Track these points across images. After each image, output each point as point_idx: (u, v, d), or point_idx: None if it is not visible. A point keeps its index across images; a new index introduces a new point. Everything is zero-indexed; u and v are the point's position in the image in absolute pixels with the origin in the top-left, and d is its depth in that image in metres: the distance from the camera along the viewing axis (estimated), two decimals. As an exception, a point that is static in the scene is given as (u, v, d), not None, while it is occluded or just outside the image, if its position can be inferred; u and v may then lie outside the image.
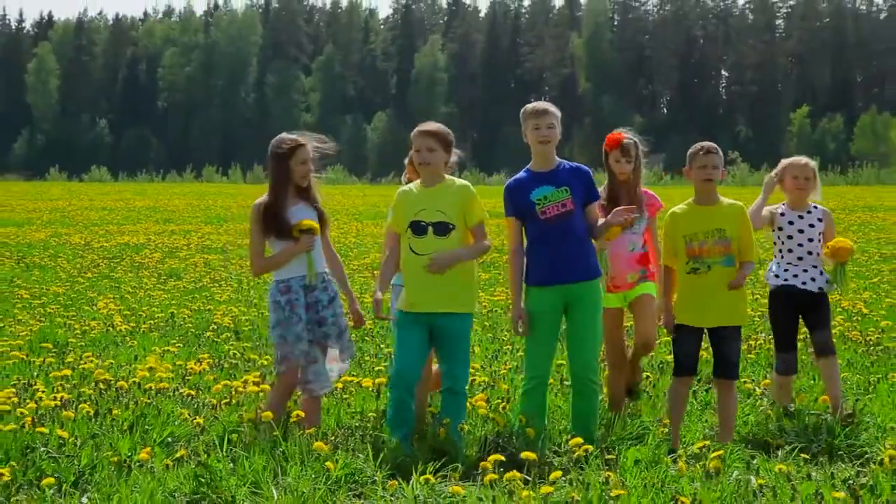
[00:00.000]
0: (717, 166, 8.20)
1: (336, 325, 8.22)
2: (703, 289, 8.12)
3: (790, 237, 8.77)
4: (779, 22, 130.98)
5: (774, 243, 8.90)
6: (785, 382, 8.85)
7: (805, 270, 8.73)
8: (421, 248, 7.96)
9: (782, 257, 8.80)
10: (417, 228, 7.97)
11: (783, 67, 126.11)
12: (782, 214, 8.82)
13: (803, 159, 8.93)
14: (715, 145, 8.34)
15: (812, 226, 8.77)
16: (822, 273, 8.75)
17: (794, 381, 9.08)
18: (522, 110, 8.17)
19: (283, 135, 8.32)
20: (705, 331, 8.24)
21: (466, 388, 8.13)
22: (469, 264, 8.04)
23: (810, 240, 8.74)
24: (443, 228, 7.93)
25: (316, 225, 8.14)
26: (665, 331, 8.51)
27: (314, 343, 8.16)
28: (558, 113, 8.22)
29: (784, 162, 9.00)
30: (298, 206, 8.22)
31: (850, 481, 6.65)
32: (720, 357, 8.20)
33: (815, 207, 8.85)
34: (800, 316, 8.81)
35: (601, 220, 8.11)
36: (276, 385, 8.28)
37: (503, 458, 6.95)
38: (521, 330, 8.09)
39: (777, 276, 8.77)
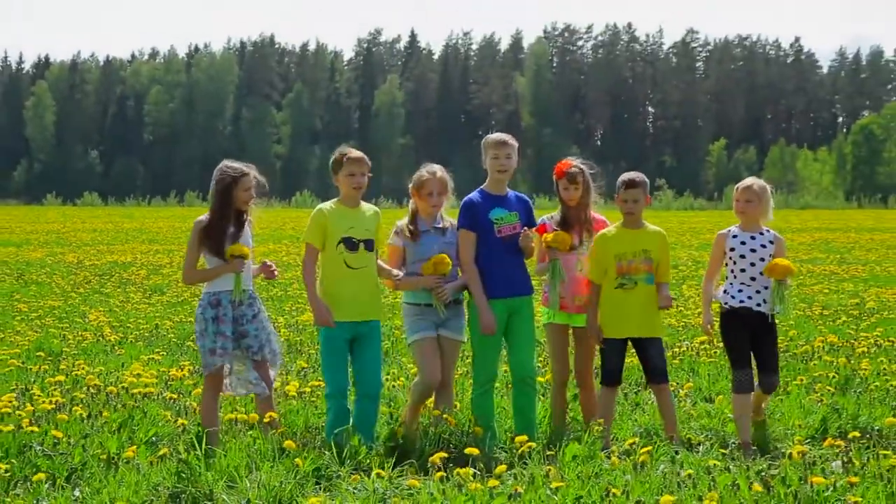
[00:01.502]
0: (638, 199, 8.18)
1: (258, 338, 8.13)
2: (629, 303, 8.12)
3: (742, 257, 8.20)
4: (699, 64, 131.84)
5: (726, 264, 8.29)
6: (743, 402, 8.13)
7: (758, 291, 8.15)
8: (355, 262, 8.02)
9: (735, 277, 8.22)
10: (350, 245, 7.99)
11: (702, 104, 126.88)
12: (734, 236, 8.27)
13: (746, 182, 8.35)
14: (637, 178, 8.21)
15: (764, 246, 8.21)
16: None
17: (751, 403, 8.23)
18: (484, 140, 8.24)
19: (227, 163, 8.22)
20: (629, 343, 8.22)
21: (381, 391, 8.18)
22: (377, 277, 8.12)
23: (762, 259, 8.16)
24: (370, 245, 8.05)
25: (247, 251, 8.08)
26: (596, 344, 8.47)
27: (235, 352, 8.10)
28: (516, 144, 8.23)
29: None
30: (242, 231, 8.17)
31: (763, 473, 6.68)
32: (649, 366, 8.20)
33: (768, 231, 8.32)
34: (752, 336, 8.20)
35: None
36: (205, 387, 8.16)
37: (446, 454, 6.95)
38: (492, 330, 8.06)
39: (733, 296, 8.19)
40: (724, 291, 8.28)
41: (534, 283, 8.42)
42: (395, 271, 8.15)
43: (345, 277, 8.02)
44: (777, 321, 8.30)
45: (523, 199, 8.32)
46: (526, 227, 8.20)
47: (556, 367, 8.54)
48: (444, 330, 8.21)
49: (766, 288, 8.17)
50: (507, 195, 8.22)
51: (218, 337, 7.99)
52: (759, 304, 8.17)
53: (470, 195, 8.23)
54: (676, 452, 7.42)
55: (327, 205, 8.19)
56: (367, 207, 8.21)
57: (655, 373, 8.19)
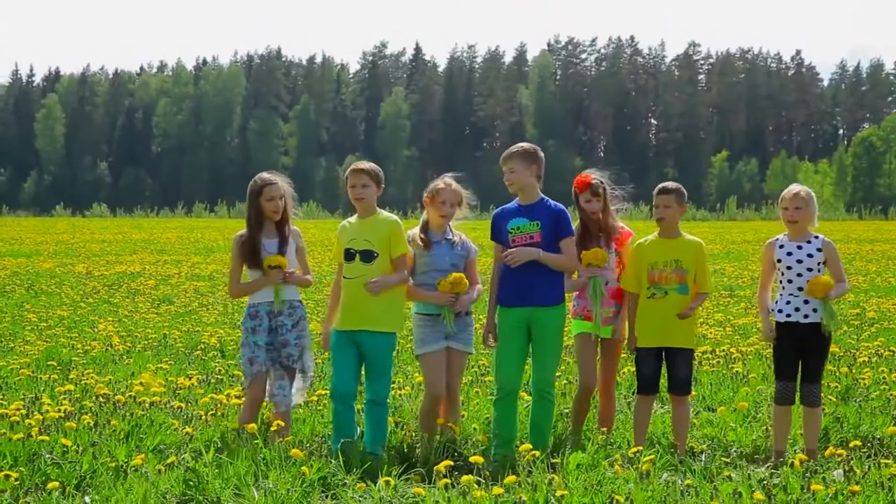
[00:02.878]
0: (670, 206, 8.12)
1: (299, 346, 8.19)
2: (660, 312, 8.07)
3: (789, 268, 7.94)
4: (701, 77, 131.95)
5: (776, 274, 8.09)
6: (783, 413, 8.01)
7: (806, 302, 7.90)
8: (350, 272, 8.04)
9: (783, 288, 7.99)
10: (347, 255, 8.04)
11: (704, 116, 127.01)
12: (781, 247, 8.03)
13: (794, 189, 8.06)
14: (670, 185, 8.18)
15: (811, 255, 7.94)
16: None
17: (791, 415, 8.12)
18: None
19: (261, 174, 8.32)
20: (662, 353, 8.16)
21: (387, 399, 8.13)
22: (397, 289, 8.05)
23: (809, 269, 7.91)
24: (368, 255, 8.01)
25: (284, 261, 8.11)
26: (628, 351, 8.45)
27: (277, 363, 8.13)
28: (528, 151, 8.10)
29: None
30: (273, 241, 8.21)
31: (765, 482, 6.67)
32: (673, 375, 8.15)
33: (816, 237, 8.01)
34: (801, 347, 7.97)
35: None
36: (245, 399, 8.28)
37: (452, 462, 6.94)
38: (490, 342, 8.08)
39: (780, 310, 7.97)
40: (775, 303, 8.08)
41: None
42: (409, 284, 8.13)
43: (344, 288, 8.09)
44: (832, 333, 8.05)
45: (552, 209, 8.10)
46: (515, 249, 8.02)
47: (584, 376, 8.44)
48: (453, 342, 8.19)
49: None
50: (536, 204, 8.10)
51: (255, 347, 8.07)
52: (806, 316, 7.94)
53: (501, 206, 8.23)
54: (680, 461, 7.42)
55: (349, 219, 8.27)
56: (384, 217, 8.13)
57: (677, 384, 8.15)
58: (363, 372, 8.09)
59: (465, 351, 8.27)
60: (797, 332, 7.95)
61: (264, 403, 8.37)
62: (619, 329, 8.42)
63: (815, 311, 7.92)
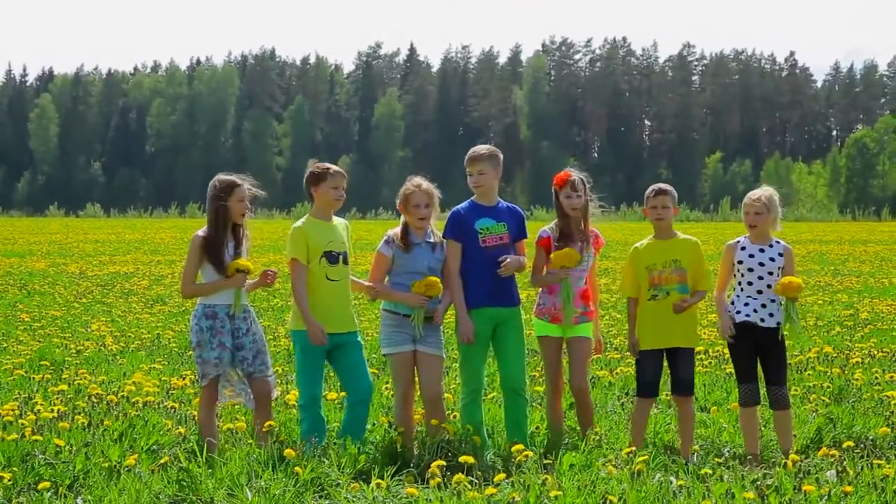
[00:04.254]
0: (668, 206, 8.14)
1: (251, 350, 8.11)
2: (663, 313, 8.06)
3: (750, 270, 8.04)
4: (694, 78, 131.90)
5: (735, 276, 8.17)
6: (749, 415, 8.10)
7: (764, 305, 8.02)
8: (336, 275, 8.07)
9: (742, 290, 8.08)
10: (332, 258, 8.04)
11: (698, 118, 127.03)
12: (743, 248, 8.11)
13: (756, 193, 8.19)
14: (666, 186, 8.20)
15: (772, 259, 8.05)
16: (780, 307, 8.05)
17: (758, 414, 8.24)
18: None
19: (221, 175, 8.22)
20: (664, 354, 8.14)
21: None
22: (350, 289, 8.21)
23: (770, 273, 8.01)
24: (347, 258, 8.14)
25: (251, 266, 8.07)
26: (630, 354, 8.44)
27: (231, 364, 8.07)
28: (492, 154, 8.18)
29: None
30: (229, 244, 8.14)
31: (758, 482, 6.68)
32: (677, 376, 8.15)
33: (777, 242, 8.13)
34: (758, 350, 8.07)
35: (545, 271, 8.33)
36: (202, 398, 8.18)
37: (444, 462, 6.94)
38: (470, 338, 8.06)
39: (738, 311, 8.05)
40: (732, 304, 8.14)
41: (524, 294, 8.41)
42: (369, 283, 8.18)
43: (325, 290, 8.06)
44: (785, 334, 8.13)
45: (514, 211, 8.30)
46: (506, 258, 8.10)
47: (551, 379, 8.50)
48: (422, 346, 8.16)
49: (772, 301, 8.04)
50: (496, 206, 8.22)
51: (217, 348, 7.98)
52: (763, 319, 8.04)
53: (458, 206, 8.25)
54: (672, 461, 7.42)
55: (302, 221, 8.20)
56: (338, 221, 8.28)
57: (681, 384, 8.14)
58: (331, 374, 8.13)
59: (436, 354, 8.22)
60: (754, 334, 8.03)
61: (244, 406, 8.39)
62: (595, 329, 8.49)
63: (771, 315, 8.00)
